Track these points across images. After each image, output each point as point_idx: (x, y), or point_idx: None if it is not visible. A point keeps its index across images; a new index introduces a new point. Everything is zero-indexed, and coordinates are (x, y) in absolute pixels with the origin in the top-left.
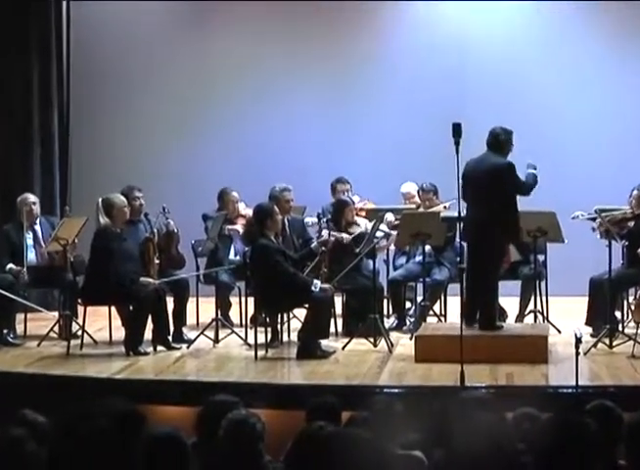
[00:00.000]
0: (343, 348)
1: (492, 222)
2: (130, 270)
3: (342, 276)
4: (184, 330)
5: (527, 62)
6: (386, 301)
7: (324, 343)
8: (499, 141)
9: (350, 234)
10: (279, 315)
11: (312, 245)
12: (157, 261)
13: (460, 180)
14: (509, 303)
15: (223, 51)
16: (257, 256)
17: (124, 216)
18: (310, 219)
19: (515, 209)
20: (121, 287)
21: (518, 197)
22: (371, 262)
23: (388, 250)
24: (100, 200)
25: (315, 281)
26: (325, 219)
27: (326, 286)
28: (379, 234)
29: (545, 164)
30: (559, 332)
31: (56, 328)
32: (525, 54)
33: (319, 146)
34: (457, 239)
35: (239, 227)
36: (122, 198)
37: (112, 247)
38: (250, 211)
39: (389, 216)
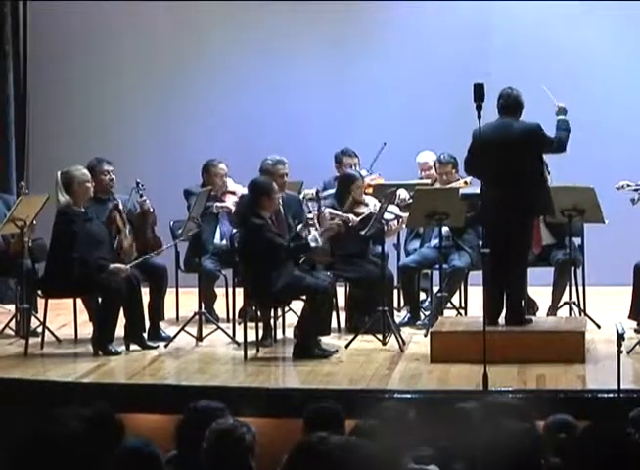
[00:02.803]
0: (347, 346)
1: (524, 197)
2: (98, 256)
3: (346, 263)
4: (162, 326)
5: (561, 16)
6: (396, 291)
7: (324, 340)
8: (519, 103)
9: (357, 215)
10: (272, 308)
11: (309, 237)
12: (128, 234)
13: (472, 151)
14: (540, 293)
15: (211, 6)
16: (249, 237)
17: (87, 193)
18: (309, 191)
19: (545, 178)
20: (88, 276)
21: (550, 169)
22: (379, 247)
23: (399, 232)
24: (58, 174)
25: (310, 236)
26: (324, 195)
27: (324, 229)
28: (389, 216)
29: (580, 134)
30: (598, 327)
31: (12, 324)
32: (559, 8)
33: (320, 112)
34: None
35: (230, 203)
36: (84, 171)
37: (75, 229)
38: (239, 187)
39: (403, 193)
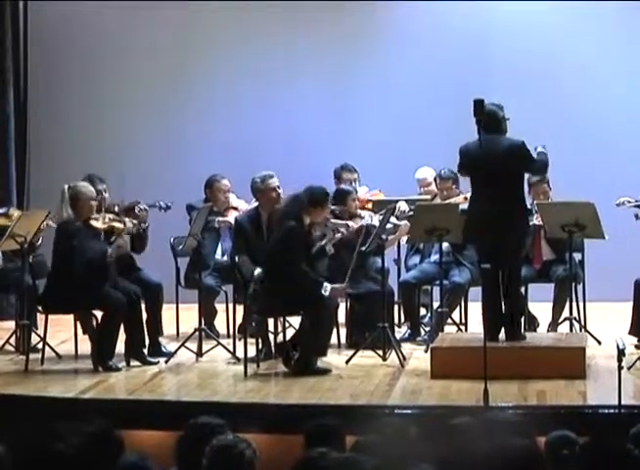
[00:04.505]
0: (348, 361)
1: (513, 214)
2: (97, 272)
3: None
4: (162, 341)
5: (561, 29)
6: (396, 307)
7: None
8: (498, 119)
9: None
10: (272, 322)
11: (326, 247)
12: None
13: (460, 169)
14: (540, 309)
15: (211, 21)
16: (283, 238)
17: (91, 210)
18: None
19: (524, 196)
20: (88, 291)
21: (550, 185)
22: (379, 262)
23: (399, 247)
24: (65, 187)
25: (325, 284)
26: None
27: (337, 286)
28: (387, 225)
29: (580, 148)
30: (598, 343)
31: (12, 340)
32: (559, 25)
33: (320, 127)
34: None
35: (231, 219)
36: (91, 188)
37: (75, 243)
38: (242, 203)
39: (403, 205)
